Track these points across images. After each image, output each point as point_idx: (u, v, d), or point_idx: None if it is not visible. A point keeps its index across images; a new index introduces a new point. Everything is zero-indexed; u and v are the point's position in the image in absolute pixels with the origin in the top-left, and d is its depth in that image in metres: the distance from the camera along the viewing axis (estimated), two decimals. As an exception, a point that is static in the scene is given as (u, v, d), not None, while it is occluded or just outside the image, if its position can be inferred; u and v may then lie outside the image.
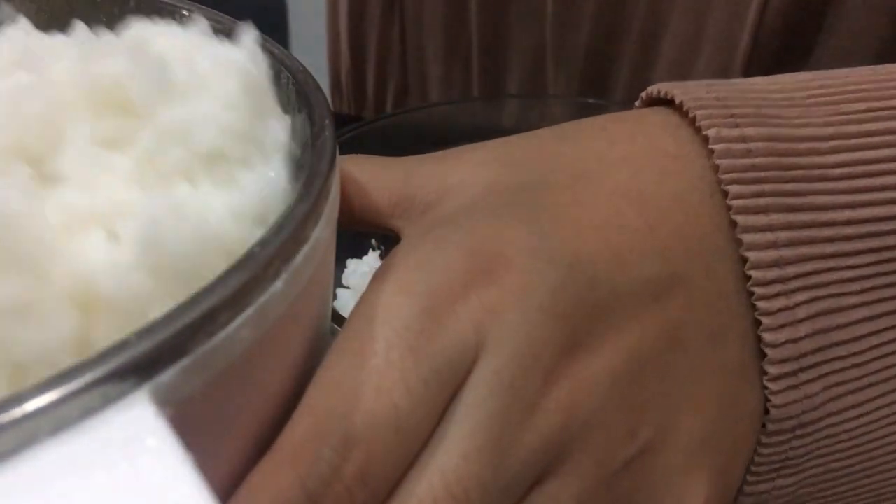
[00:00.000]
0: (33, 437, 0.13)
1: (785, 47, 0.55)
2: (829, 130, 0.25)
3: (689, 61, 0.57)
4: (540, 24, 0.60)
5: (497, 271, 0.22)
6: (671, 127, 0.26)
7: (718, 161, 0.24)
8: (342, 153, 0.23)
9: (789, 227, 0.24)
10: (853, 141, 0.25)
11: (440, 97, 0.66)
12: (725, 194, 0.24)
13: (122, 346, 0.14)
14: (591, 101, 0.56)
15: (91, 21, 0.30)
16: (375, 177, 0.26)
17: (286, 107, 0.26)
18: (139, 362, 0.14)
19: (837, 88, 0.26)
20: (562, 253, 0.22)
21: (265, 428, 0.19)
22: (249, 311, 0.17)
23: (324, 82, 0.25)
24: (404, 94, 0.70)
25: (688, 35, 0.56)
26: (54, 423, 0.14)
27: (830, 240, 0.24)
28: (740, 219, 0.24)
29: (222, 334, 0.16)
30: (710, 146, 0.24)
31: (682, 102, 0.25)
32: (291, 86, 0.25)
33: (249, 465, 0.19)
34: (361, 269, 0.47)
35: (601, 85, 0.61)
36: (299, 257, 0.18)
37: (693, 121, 0.25)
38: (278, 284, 0.17)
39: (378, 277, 0.22)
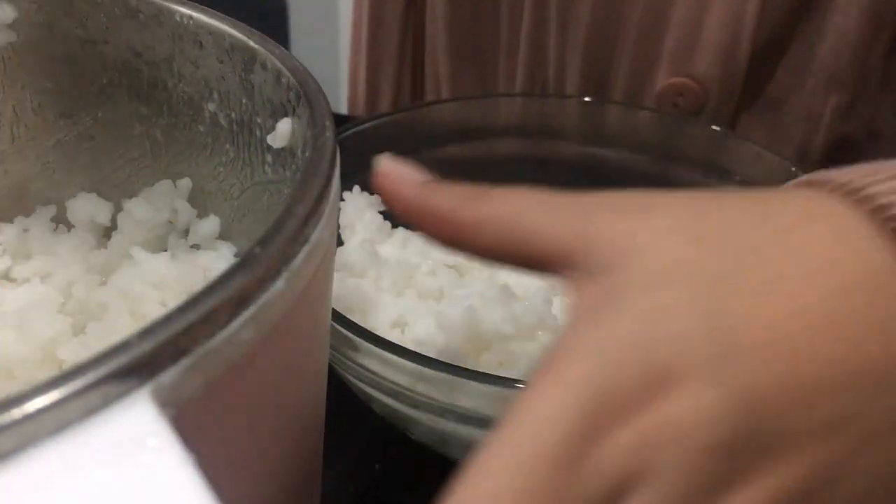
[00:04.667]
0: (34, 437, 0.13)
1: (794, 5, 0.55)
2: None
3: (697, 21, 0.57)
4: (543, 24, 0.61)
5: (671, 391, 0.19)
6: (872, 229, 0.22)
7: None
8: (342, 151, 0.23)
9: None
10: None
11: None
12: None
13: (123, 346, 0.14)
14: (588, 99, 0.57)
15: (92, 21, 0.31)
16: (549, 217, 0.23)
17: (287, 108, 0.26)
18: (140, 362, 0.14)
19: None
20: (743, 379, 0.20)
21: (266, 429, 0.19)
22: (250, 311, 0.17)
23: (323, 82, 0.25)
24: (421, 100, 0.71)
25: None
26: (55, 423, 0.14)
27: None
28: None
29: (223, 334, 0.16)
30: None
31: (880, 207, 0.21)
32: (292, 87, 0.25)
33: (250, 465, 0.19)
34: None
35: (602, 82, 0.61)
36: (300, 258, 0.18)
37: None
38: (279, 284, 0.17)
39: (546, 359, 0.20)
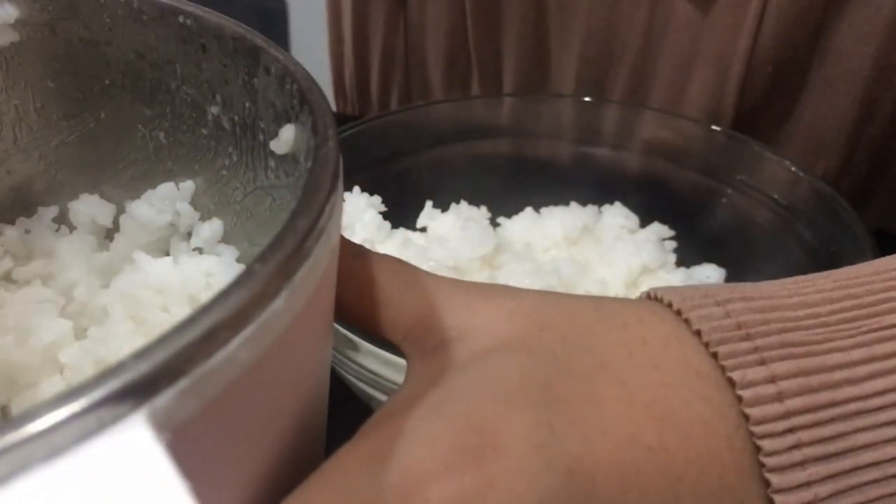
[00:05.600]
0: (28, 462, 0.13)
1: (779, 75, 0.56)
2: (861, 353, 0.23)
3: (682, 83, 0.58)
4: (532, 44, 0.61)
5: (489, 458, 0.19)
6: (695, 341, 0.23)
7: (748, 411, 0.22)
8: (343, 151, 0.22)
9: (830, 477, 0.22)
10: (887, 363, 0.23)
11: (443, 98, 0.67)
12: (757, 448, 0.22)
13: (118, 368, 0.14)
14: (588, 99, 0.56)
15: (95, 21, 0.30)
16: (403, 292, 0.24)
17: (290, 113, 0.26)
18: (136, 385, 0.14)
19: (862, 299, 0.24)
20: (564, 456, 0.20)
21: (264, 447, 0.19)
22: (249, 330, 0.16)
23: (324, 84, 0.25)
24: (408, 97, 0.70)
25: (681, 58, 0.57)
26: (48, 448, 0.13)
27: (876, 481, 0.22)
28: (774, 479, 0.21)
29: (221, 354, 0.16)
30: (738, 392, 0.22)
31: (699, 331, 0.23)
32: (296, 93, 0.25)
33: (248, 482, 0.19)
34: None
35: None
36: (300, 274, 0.18)
37: (715, 355, 0.23)
38: (279, 302, 0.17)
39: (363, 431, 0.21)
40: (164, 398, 0.15)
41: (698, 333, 0.23)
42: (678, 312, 0.24)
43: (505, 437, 0.20)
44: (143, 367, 0.14)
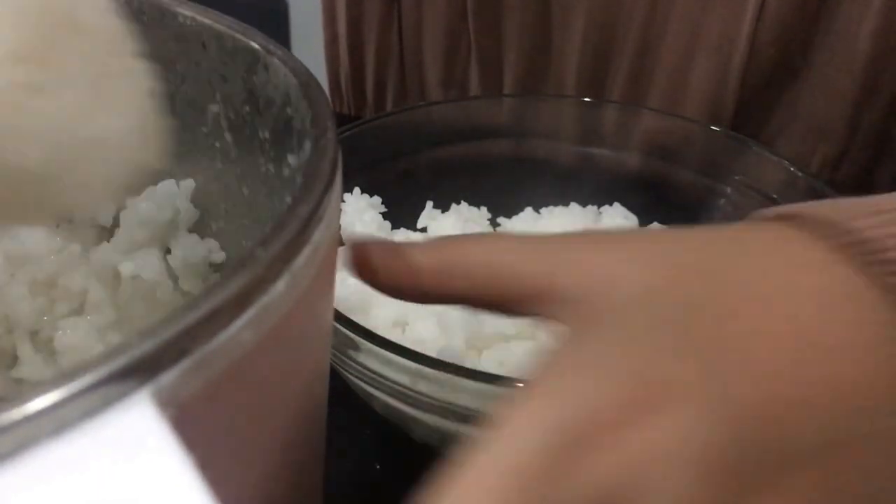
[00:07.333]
0: (34, 437, 0.13)
1: (781, 59, 0.56)
2: None
3: (685, 70, 0.58)
4: (534, 32, 0.61)
5: (658, 409, 0.19)
6: (841, 261, 0.22)
7: None
8: (343, 151, 0.23)
9: None
10: None
11: (439, 98, 0.67)
12: None
13: (123, 347, 0.14)
14: (587, 100, 0.57)
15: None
16: (521, 258, 0.24)
17: (289, 109, 0.26)
18: (140, 363, 0.14)
19: None
20: (731, 399, 0.20)
21: (266, 428, 0.19)
22: (251, 312, 0.17)
23: (324, 83, 0.25)
24: (403, 96, 0.70)
25: (683, 44, 0.57)
26: (55, 423, 0.14)
27: None
28: None
29: (223, 335, 0.16)
30: None
31: (855, 243, 0.22)
32: (294, 88, 0.25)
33: (250, 465, 0.19)
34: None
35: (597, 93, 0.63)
36: (301, 258, 0.18)
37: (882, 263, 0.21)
38: (280, 285, 0.17)
39: (532, 376, 0.20)
40: (169, 376, 0.15)
41: (845, 247, 0.22)
42: (817, 228, 0.23)
43: (673, 388, 0.19)
44: (147, 346, 0.15)
